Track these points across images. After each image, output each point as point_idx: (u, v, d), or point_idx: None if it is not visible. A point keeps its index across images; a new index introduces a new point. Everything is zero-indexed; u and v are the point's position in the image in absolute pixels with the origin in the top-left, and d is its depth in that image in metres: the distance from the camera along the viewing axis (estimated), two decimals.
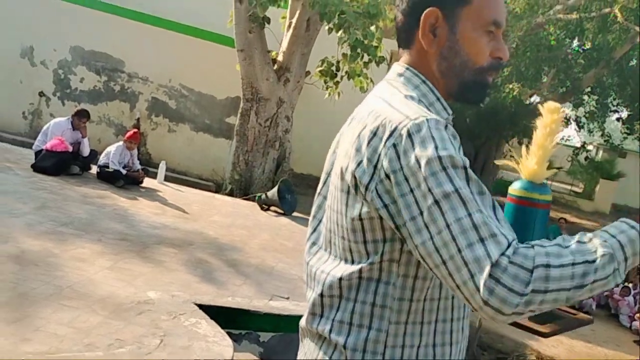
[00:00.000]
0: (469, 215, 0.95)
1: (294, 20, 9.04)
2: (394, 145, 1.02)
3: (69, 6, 10.33)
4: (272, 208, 8.22)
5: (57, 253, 4.51)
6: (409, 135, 1.01)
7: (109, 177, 7.54)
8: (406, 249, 1.06)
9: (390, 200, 1.03)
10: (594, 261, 0.94)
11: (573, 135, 20.54)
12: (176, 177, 9.51)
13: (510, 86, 13.25)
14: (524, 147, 1.49)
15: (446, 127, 1.03)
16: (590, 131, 18.77)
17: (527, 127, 16.88)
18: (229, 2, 9.04)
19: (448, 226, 0.95)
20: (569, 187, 23.60)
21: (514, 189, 1.48)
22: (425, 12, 1.14)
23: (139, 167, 8.03)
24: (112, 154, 7.69)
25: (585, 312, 8.59)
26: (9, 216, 5.18)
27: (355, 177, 1.07)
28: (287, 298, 4.66)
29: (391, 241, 1.07)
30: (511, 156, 1.53)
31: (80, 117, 7.75)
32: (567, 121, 16.98)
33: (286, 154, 9.48)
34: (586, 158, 20.54)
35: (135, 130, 8.53)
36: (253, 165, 9.26)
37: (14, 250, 4.36)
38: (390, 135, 1.03)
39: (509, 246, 0.94)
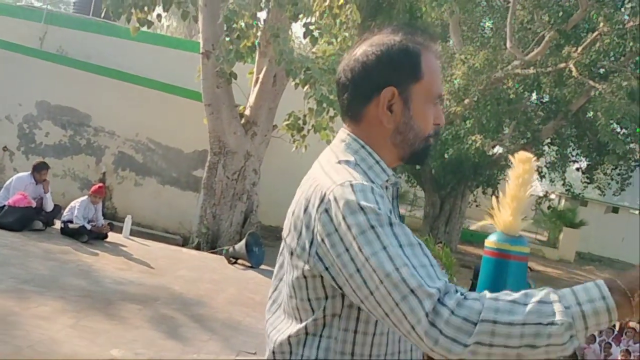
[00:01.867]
0: (397, 269, 1.01)
1: (261, 76, 9.23)
2: (326, 210, 1.09)
3: (35, 61, 10.36)
4: (240, 261, 8.16)
5: (18, 311, 4.40)
6: (335, 199, 1.09)
7: (73, 233, 7.43)
8: (347, 303, 1.13)
9: (329, 263, 1.09)
10: (548, 325, 0.95)
11: (535, 185, 21.02)
12: (142, 231, 9.40)
13: (473, 138, 13.59)
14: (494, 199, 1.50)
15: (372, 189, 1.11)
16: (552, 181, 19.26)
17: (490, 176, 17.28)
18: (197, 57, 9.20)
19: (382, 282, 1.01)
20: (533, 235, 23.98)
21: (490, 241, 1.50)
22: (383, 90, 1.21)
23: (104, 221, 7.94)
24: (77, 208, 7.60)
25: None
26: None
27: (297, 241, 1.15)
28: (254, 353, 4.60)
29: (332, 297, 1.14)
30: (488, 212, 1.54)
31: (39, 170, 7.68)
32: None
33: (254, 207, 9.49)
34: (549, 207, 21.00)
35: (101, 184, 8.48)
36: (220, 219, 9.23)
37: None
38: (321, 201, 1.11)
39: (446, 293, 0.99)
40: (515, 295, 0.99)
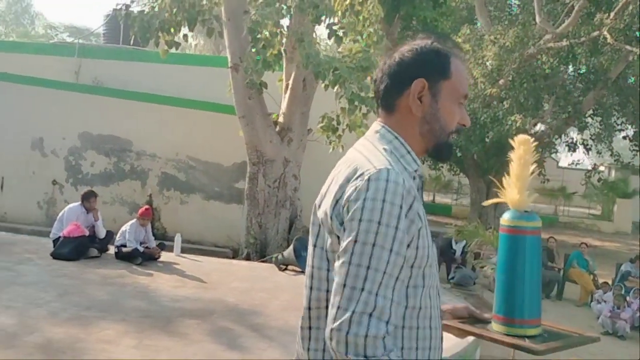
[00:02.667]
0: (368, 268, 1.19)
1: (290, 82, 9.29)
2: (355, 186, 1.25)
3: (73, 95, 10.70)
4: (290, 267, 8.23)
5: (83, 337, 4.56)
6: (369, 180, 1.24)
7: (126, 256, 7.63)
8: None
9: (343, 226, 1.25)
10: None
11: (583, 159, 20.42)
12: (192, 247, 9.58)
13: (513, 118, 13.31)
14: (504, 179, 1.59)
15: (403, 182, 1.24)
16: (599, 152, 18.70)
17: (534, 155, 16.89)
18: (226, 72, 9.32)
19: (358, 265, 1.19)
20: (586, 210, 23.34)
21: (504, 219, 1.58)
22: (415, 81, 1.37)
23: (155, 242, 8.13)
24: (128, 232, 7.81)
25: (620, 335, 8.41)
26: (34, 306, 5.26)
27: (326, 213, 1.32)
28: None
29: None
30: (496, 191, 1.64)
31: (88, 199, 7.94)
32: (574, 145, 16.98)
33: (298, 212, 9.55)
34: (599, 179, 20.41)
35: (147, 206, 8.68)
36: (266, 227, 9.33)
37: (41, 340, 4.42)
38: (356, 177, 1.26)
39: (373, 311, 1.16)
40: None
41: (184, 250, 8.76)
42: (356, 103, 8.10)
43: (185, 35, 9.40)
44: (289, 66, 9.35)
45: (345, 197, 1.26)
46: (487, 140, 15.27)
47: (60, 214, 8.00)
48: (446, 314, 1.59)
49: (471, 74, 13.88)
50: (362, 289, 1.18)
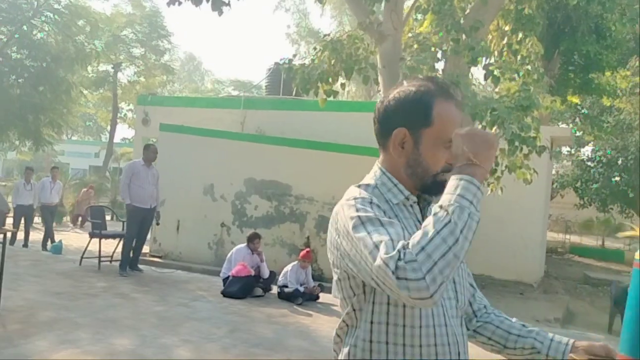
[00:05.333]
0: (375, 246, 1.28)
1: None
2: (336, 221, 1.44)
3: (239, 144, 11.53)
4: None
5: None
6: (342, 209, 1.43)
7: (288, 296, 7.94)
8: (369, 299, 1.43)
9: (347, 260, 1.40)
10: (449, 221, 1.24)
11: None
12: None
13: None
14: None
15: (370, 201, 1.40)
16: None
17: None
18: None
19: (369, 254, 1.28)
20: None
21: (638, 254, 1.47)
22: (395, 131, 1.48)
23: (313, 283, 8.38)
24: (289, 273, 8.14)
25: None
26: (207, 341, 5.65)
27: (331, 252, 1.50)
28: None
29: (357, 295, 1.45)
30: (632, 224, 1.54)
31: (253, 240, 8.43)
32: None
33: None
34: None
35: (308, 249, 8.99)
36: None
37: None
38: (334, 214, 1.47)
39: (400, 253, 1.23)
40: (423, 228, 1.26)
41: None
42: (517, 143, 7.83)
43: (342, 84, 9.78)
44: None
45: (334, 229, 1.46)
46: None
47: (229, 254, 8.58)
48: (579, 350, 1.53)
49: None
50: (375, 245, 1.28)
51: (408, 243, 1.25)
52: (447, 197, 1.30)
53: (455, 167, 1.35)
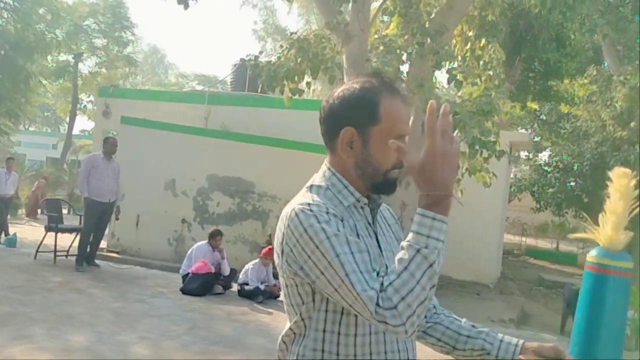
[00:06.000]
0: (347, 275, 1.26)
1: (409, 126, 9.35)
2: (288, 226, 1.36)
3: (202, 139, 11.43)
4: None
5: None
6: (297, 215, 1.35)
7: (249, 294, 7.93)
8: (318, 307, 1.40)
9: (298, 267, 1.36)
10: (429, 267, 1.22)
11: None
12: None
13: None
14: (601, 215, 1.50)
15: (327, 209, 1.34)
16: None
17: None
18: None
19: (342, 283, 1.26)
20: None
21: (590, 255, 1.49)
22: (342, 130, 1.43)
23: (274, 281, 8.38)
24: (250, 271, 8.12)
25: None
26: (166, 339, 5.60)
27: (278, 258, 1.44)
28: None
29: (306, 303, 1.41)
30: (587, 226, 1.57)
31: (215, 237, 8.39)
32: None
33: None
34: None
35: (270, 247, 8.98)
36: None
37: None
38: (287, 219, 1.38)
39: (378, 297, 1.22)
40: (396, 269, 1.23)
41: None
42: (477, 147, 8.00)
43: (308, 83, 9.80)
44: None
45: (286, 242, 1.38)
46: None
47: (190, 251, 8.50)
48: (529, 351, 1.53)
49: (599, 116, 13.22)
50: (347, 275, 1.26)
51: (384, 285, 1.23)
52: (422, 238, 1.24)
53: (422, 196, 1.27)
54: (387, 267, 1.40)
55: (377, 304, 1.22)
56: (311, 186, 1.46)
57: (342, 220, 1.35)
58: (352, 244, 1.30)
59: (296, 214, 1.35)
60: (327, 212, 1.34)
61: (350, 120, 1.42)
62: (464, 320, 1.68)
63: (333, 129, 1.45)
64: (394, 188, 1.48)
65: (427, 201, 1.27)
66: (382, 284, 1.24)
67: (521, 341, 1.59)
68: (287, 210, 1.40)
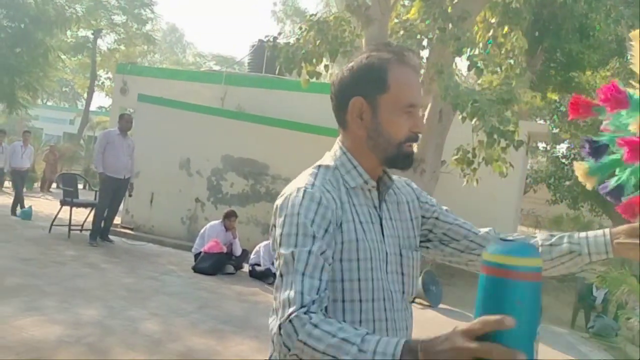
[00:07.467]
0: (291, 283, 1.22)
1: (426, 113, 9.25)
2: (278, 206, 1.35)
3: (218, 119, 11.42)
4: (418, 300, 8.10)
5: (220, 350, 4.79)
6: (287, 199, 1.33)
7: (260, 275, 7.95)
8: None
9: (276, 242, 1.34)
10: None
11: None
12: None
13: None
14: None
15: (320, 200, 1.31)
16: None
17: None
18: None
19: (281, 275, 1.26)
20: None
21: (487, 253, 1.07)
22: (351, 100, 1.39)
23: None
24: (262, 252, 8.13)
25: None
26: (176, 316, 5.62)
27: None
28: None
29: None
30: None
31: (229, 217, 8.39)
32: None
33: None
34: None
35: None
36: None
37: (182, 348, 4.71)
38: (280, 198, 1.36)
39: (302, 306, 1.17)
40: (337, 327, 1.13)
41: None
42: (495, 136, 7.89)
43: (326, 66, 9.72)
44: (426, 97, 9.32)
45: (273, 219, 1.36)
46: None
47: (202, 230, 8.52)
48: (621, 235, 1.41)
49: None
50: (291, 283, 1.22)
51: (312, 316, 1.15)
52: (372, 346, 1.08)
53: (416, 343, 1.06)
54: (387, 254, 1.42)
55: (289, 320, 1.17)
56: (319, 166, 1.44)
57: (332, 212, 1.31)
58: (310, 258, 1.25)
59: (287, 198, 1.34)
60: (316, 212, 1.29)
61: (359, 90, 1.39)
62: (538, 235, 1.56)
63: (343, 101, 1.42)
64: (410, 162, 1.43)
65: (412, 347, 1.05)
66: (311, 311, 1.17)
67: (607, 230, 1.45)
68: (284, 192, 1.37)
